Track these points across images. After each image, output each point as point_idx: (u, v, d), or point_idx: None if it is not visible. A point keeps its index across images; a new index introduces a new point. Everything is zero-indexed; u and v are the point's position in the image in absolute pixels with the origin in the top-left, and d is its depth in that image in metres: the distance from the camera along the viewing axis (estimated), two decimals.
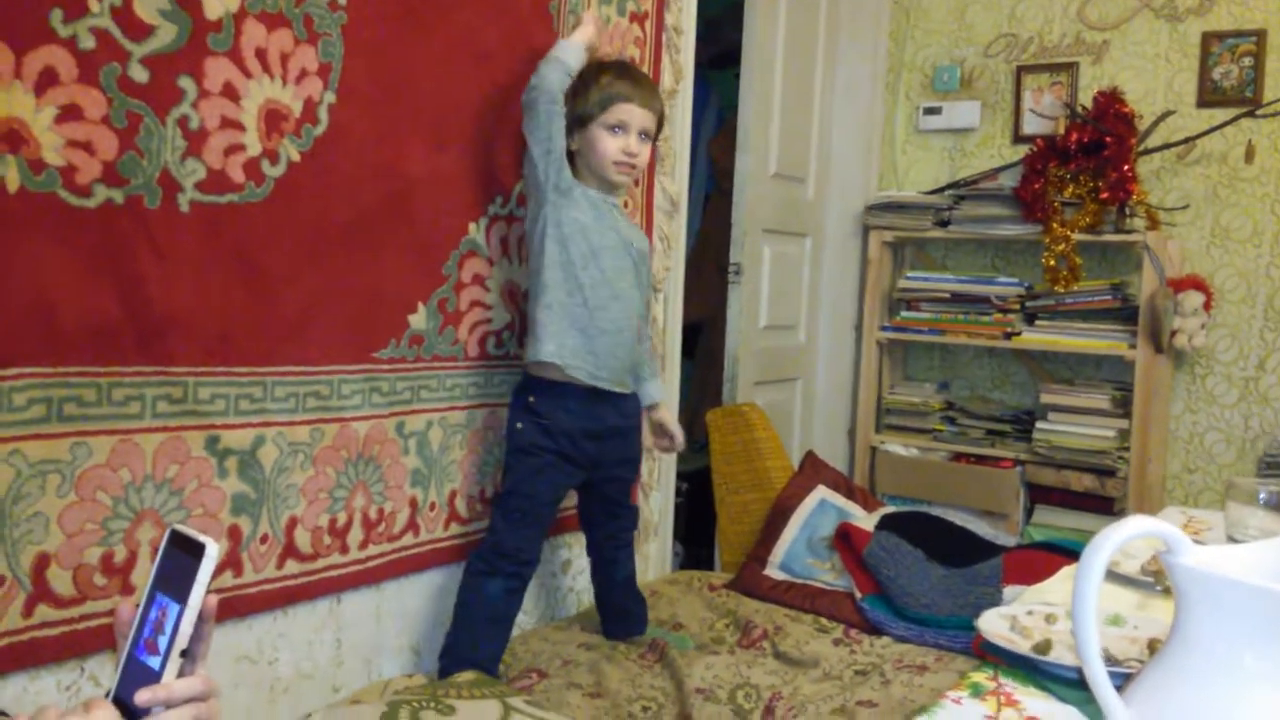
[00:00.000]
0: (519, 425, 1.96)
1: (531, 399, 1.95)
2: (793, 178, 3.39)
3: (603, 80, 1.94)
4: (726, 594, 2.43)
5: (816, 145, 3.51)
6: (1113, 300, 3.07)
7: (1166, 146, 3.13)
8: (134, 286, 1.46)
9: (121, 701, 0.78)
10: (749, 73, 3.11)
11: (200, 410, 1.56)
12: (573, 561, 2.38)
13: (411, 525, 1.95)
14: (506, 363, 2.12)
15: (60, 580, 1.41)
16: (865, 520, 2.51)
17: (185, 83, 1.50)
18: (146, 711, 0.77)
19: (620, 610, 2.16)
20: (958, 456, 3.29)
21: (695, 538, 3.20)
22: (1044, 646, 1.11)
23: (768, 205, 3.23)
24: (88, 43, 1.38)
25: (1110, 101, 3.05)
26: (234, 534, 1.63)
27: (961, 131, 3.56)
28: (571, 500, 2.23)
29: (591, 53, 2.01)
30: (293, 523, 1.72)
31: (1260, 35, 3.08)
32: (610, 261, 1.95)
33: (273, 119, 1.63)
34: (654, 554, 2.67)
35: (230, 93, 1.56)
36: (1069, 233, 3.02)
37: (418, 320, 1.92)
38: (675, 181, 2.57)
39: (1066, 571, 1.61)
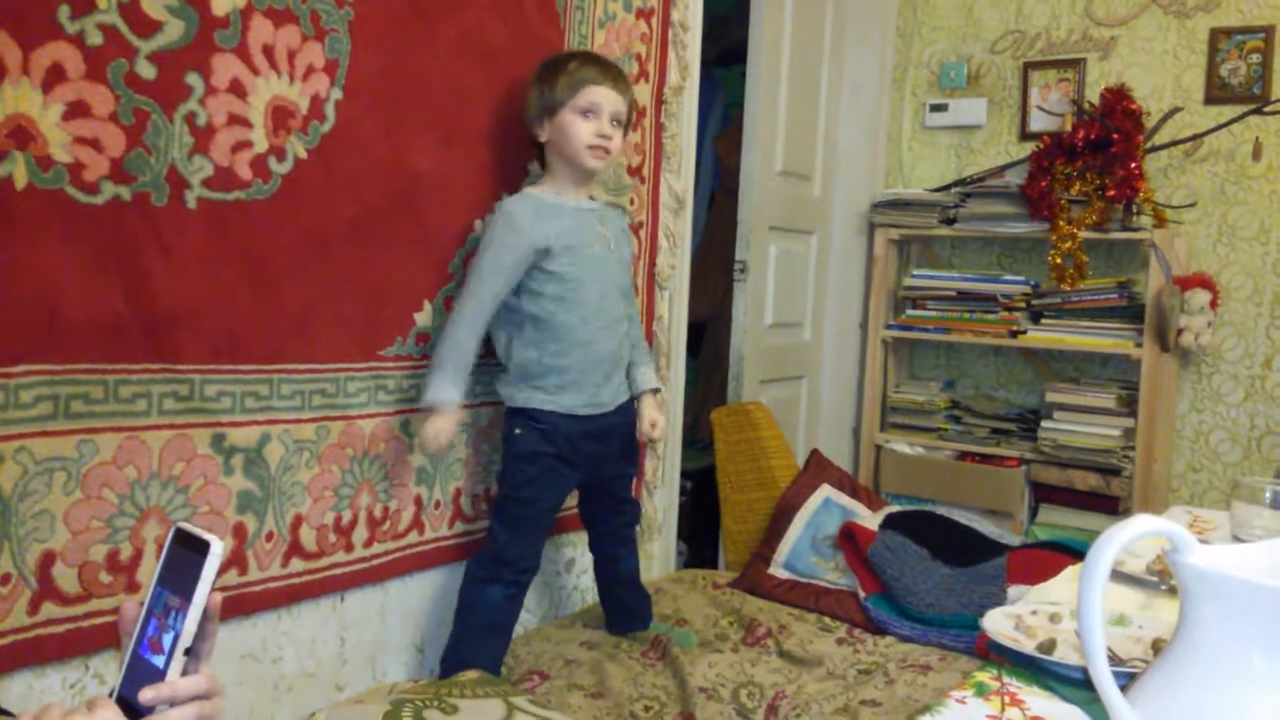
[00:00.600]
0: (517, 431, 1.95)
1: (529, 406, 1.94)
2: (799, 175, 3.38)
3: (570, 66, 1.92)
4: (731, 593, 2.43)
5: (822, 142, 3.50)
6: (1119, 298, 3.06)
7: (1174, 144, 3.13)
8: (141, 284, 1.46)
9: (125, 699, 0.78)
10: (755, 70, 3.10)
11: (206, 408, 1.56)
12: (576, 560, 2.38)
13: (416, 523, 1.95)
14: None
15: (66, 578, 1.41)
16: (870, 519, 2.51)
17: (193, 79, 1.50)
18: (151, 709, 0.77)
19: (623, 606, 2.17)
20: (963, 455, 3.29)
21: (699, 536, 3.20)
22: (1049, 646, 1.11)
23: (773, 203, 3.23)
24: (95, 39, 1.38)
25: (1117, 98, 3.04)
26: (239, 532, 1.63)
27: (968, 128, 3.55)
28: (575, 499, 2.24)
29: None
30: (298, 521, 1.72)
31: (1268, 32, 3.07)
32: (594, 290, 1.92)
33: (280, 116, 1.63)
34: (658, 552, 2.67)
35: (237, 89, 1.56)
36: (1075, 230, 3.02)
37: (424, 318, 1.92)
38: (681, 179, 2.57)
39: (1071, 571, 1.61)
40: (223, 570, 1.59)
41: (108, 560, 1.46)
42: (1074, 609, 0.82)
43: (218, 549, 0.79)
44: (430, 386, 1.84)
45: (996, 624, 1.19)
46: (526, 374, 1.93)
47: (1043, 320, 3.18)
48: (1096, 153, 3.01)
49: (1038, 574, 1.99)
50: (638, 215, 2.43)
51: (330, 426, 1.76)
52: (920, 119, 3.64)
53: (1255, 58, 3.09)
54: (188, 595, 0.78)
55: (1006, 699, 1.02)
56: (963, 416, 3.37)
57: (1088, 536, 2.70)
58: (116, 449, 1.45)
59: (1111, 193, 2.97)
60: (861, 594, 2.32)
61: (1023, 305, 3.20)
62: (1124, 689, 0.79)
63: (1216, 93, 3.14)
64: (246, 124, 1.58)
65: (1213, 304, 2.97)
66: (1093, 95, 3.23)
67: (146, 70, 1.44)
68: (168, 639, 0.78)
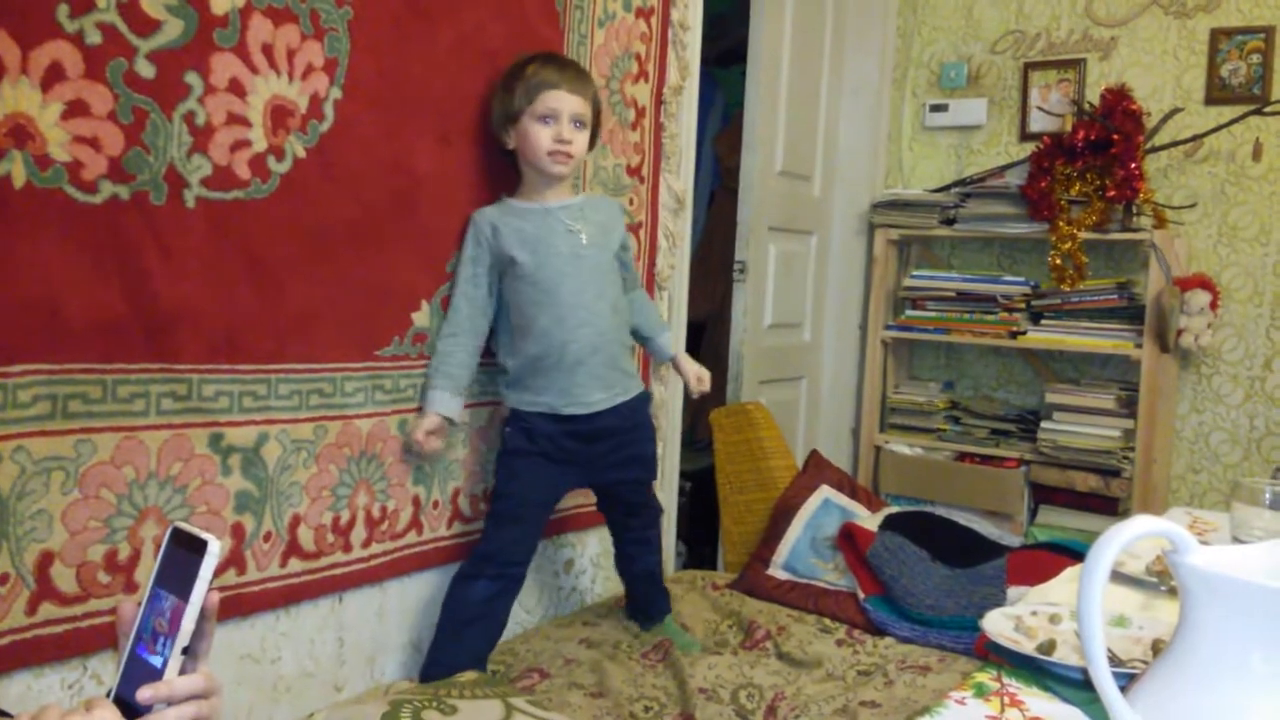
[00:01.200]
0: (507, 430, 2.00)
1: (518, 407, 1.99)
2: (798, 175, 3.38)
3: (528, 71, 1.91)
4: (730, 594, 2.43)
5: (822, 142, 3.50)
6: (1119, 299, 3.06)
7: (1174, 144, 3.13)
8: (139, 283, 1.46)
9: (123, 699, 0.78)
10: (755, 70, 3.10)
11: (204, 407, 1.56)
12: (575, 561, 2.38)
13: (414, 523, 1.95)
14: None
15: (64, 578, 1.41)
16: (869, 520, 2.51)
17: (192, 78, 1.50)
18: (148, 709, 0.77)
19: (637, 599, 2.23)
20: (962, 456, 3.29)
21: (699, 537, 3.20)
22: (1048, 647, 1.11)
23: (773, 203, 3.23)
24: (94, 38, 1.37)
25: (1118, 99, 3.04)
26: (237, 532, 1.63)
27: (968, 129, 3.55)
28: (575, 500, 2.24)
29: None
30: (296, 521, 1.72)
31: (1269, 32, 3.07)
32: (567, 288, 1.92)
33: (279, 115, 1.62)
34: None
35: (236, 88, 1.56)
36: (1075, 231, 3.02)
37: (421, 318, 1.91)
38: (680, 179, 2.57)
39: (1071, 572, 1.61)
40: (220, 570, 1.59)
41: (106, 560, 1.45)
42: (1074, 610, 0.82)
43: (215, 548, 0.78)
44: (423, 397, 1.91)
45: (996, 625, 1.19)
46: (514, 376, 1.98)
47: (1042, 321, 3.18)
48: (1097, 153, 3.01)
49: (1037, 575, 1.99)
50: (637, 215, 2.43)
51: (328, 426, 1.76)
52: (920, 119, 3.64)
53: (1256, 58, 3.09)
54: (185, 595, 0.78)
55: (1006, 700, 1.02)
56: (962, 417, 3.37)
57: (1087, 537, 2.69)
58: (114, 449, 1.45)
59: (1111, 193, 2.97)
60: (861, 595, 2.31)
61: (1022, 306, 3.20)
62: (1124, 690, 0.79)
63: (1217, 93, 3.14)
64: (245, 123, 1.58)
65: (1213, 305, 2.97)
66: (1093, 96, 3.23)
67: (145, 69, 1.44)
68: (165, 639, 0.78)
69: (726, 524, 2.83)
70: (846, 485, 2.74)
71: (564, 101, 1.90)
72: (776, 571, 2.50)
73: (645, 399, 2.11)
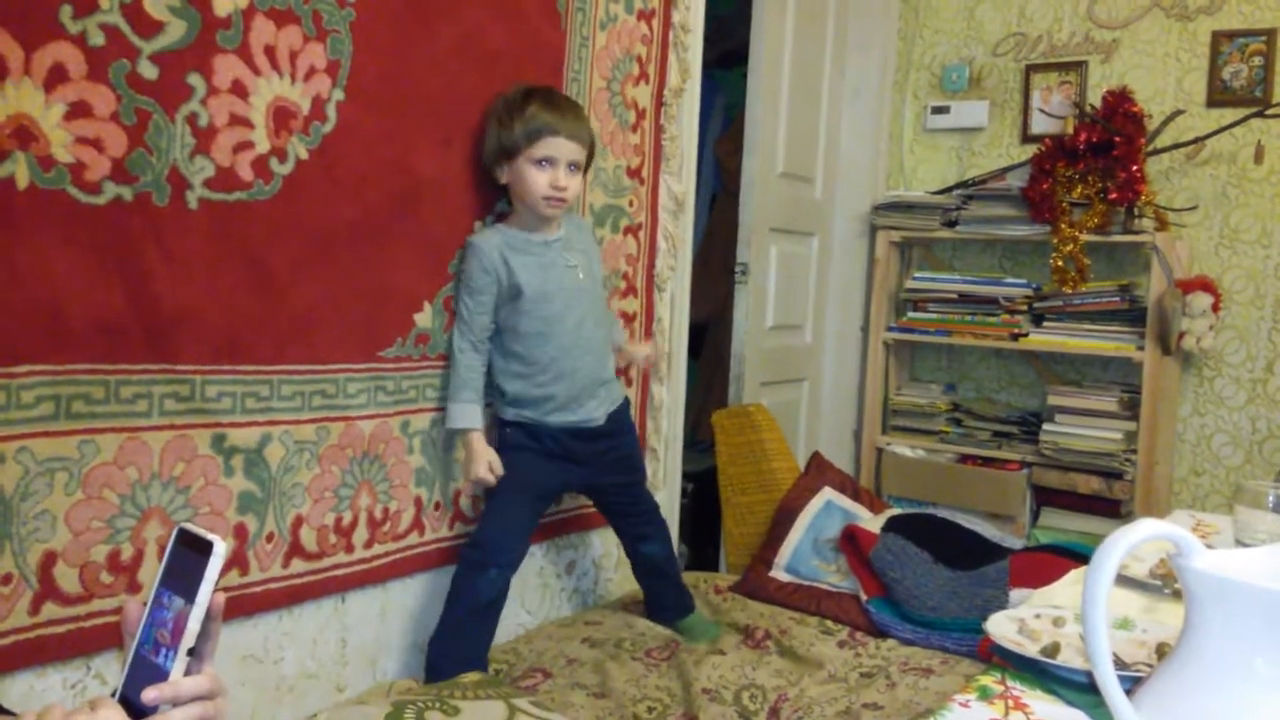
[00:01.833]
0: (507, 430, 2.01)
1: (519, 421, 2.00)
2: (800, 177, 3.38)
3: (528, 111, 1.90)
4: (732, 596, 2.43)
5: (824, 144, 3.50)
6: (1121, 301, 3.05)
7: (1175, 146, 3.12)
8: (142, 284, 1.46)
9: (128, 700, 0.78)
10: (757, 72, 3.10)
11: (207, 408, 1.56)
12: (576, 562, 2.38)
13: (416, 524, 1.95)
14: None
15: (67, 578, 1.41)
16: (871, 522, 2.51)
17: (194, 80, 1.50)
18: (153, 709, 0.77)
19: (650, 595, 2.24)
20: (964, 458, 3.29)
21: (701, 539, 3.19)
22: (1052, 649, 1.11)
23: (775, 205, 3.23)
24: (97, 39, 1.38)
25: (1119, 101, 3.04)
26: (240, 532, 1.63)
27: (970, 131, 3.55)
28: (576, 500, 2.25)
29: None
30: (298, 521, 1.72)
31: (1270, 35, 3.07)
32: (571, 318, 1.97)
33: (281, 116, 1.63)
34: None
35: (239, 90, 1.56)
36: (1077, 233, 3.02)
37: (423, 319, 1.92)
38: (681, 181, 2.57)
39: (1074, 574, 1.61)
40: (224, 571, 1.59)
41: (109, 560, 1.45)
42: (1078, 613, 0.82)
43: (221, 549, 0.78)
44: (451, 415, 1.94)
45: (1000, 627, 1.19)
46: (517, 400, 1.99)
47: (1044, 323, 3.18)
48: (1098, 155, 3.01)
49: (1040, 577, 1.99)
50: (636, 217, 2.43)
51: (330, 427, 1.76)
52: (922, 121, 3.64)
53: (1257, 60, 3.09)
54: (191, 596, 0.78)
55: (1010, 702, 1.02)
56: (964, 419, 3.37)
57: (1089, 540, 2.70)
58: (118, 449, 1.45)
59: (1113, 195, 2.97)
60: (863, 597, 2.31)
61: (1024, 308, 3.20)
62: (1128, 693, 0.79)
63: (1218, 95, 3.14)
64: (248, 124, 1.58)
65: (1215, 307, 2.97)
66: (1094, 98, 3.22)
67: (148, 70, 1.44)
68: (170, 639, 0.78)
69: (728, 526, 2.83)
70: (849, 487, 2.74)
71: (562, 149, 1.91)
72: (779, 573, 2.50)
73: (627, 404, 2.17)
